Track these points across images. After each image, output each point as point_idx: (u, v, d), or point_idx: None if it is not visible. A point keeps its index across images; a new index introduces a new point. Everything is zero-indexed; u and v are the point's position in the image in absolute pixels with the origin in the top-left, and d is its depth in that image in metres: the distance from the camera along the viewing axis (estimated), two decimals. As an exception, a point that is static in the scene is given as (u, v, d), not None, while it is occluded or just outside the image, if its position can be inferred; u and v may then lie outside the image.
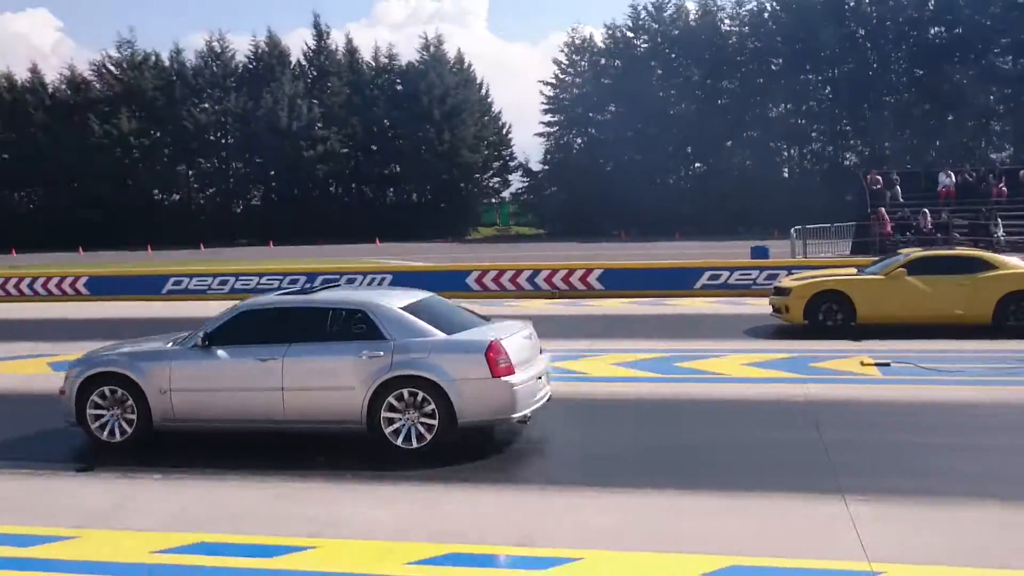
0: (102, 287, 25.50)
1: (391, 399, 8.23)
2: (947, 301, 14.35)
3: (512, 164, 71.31)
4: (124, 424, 8.88)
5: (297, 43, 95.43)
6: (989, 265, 14.61)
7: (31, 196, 67.78)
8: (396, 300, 9.02)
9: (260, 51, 67.88)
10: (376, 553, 5.84)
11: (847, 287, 14.95)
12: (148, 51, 68.09)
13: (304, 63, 69.80)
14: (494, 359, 8.19)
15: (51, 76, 68.41)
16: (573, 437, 9.30)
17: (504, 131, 71.24)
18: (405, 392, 8.21)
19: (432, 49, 68.09)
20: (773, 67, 63.37)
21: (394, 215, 64.98)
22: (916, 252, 15.87)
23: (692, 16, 65.73)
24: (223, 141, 67.57)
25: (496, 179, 72.45)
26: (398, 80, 68.27)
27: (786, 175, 66.29)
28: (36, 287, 26.01)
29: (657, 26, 65.50)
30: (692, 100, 64.08)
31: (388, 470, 7.76)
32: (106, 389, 8.92)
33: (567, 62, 68.22)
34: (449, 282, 22.11)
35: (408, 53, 69.82)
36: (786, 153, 67.81)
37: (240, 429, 8.93)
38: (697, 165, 67.42)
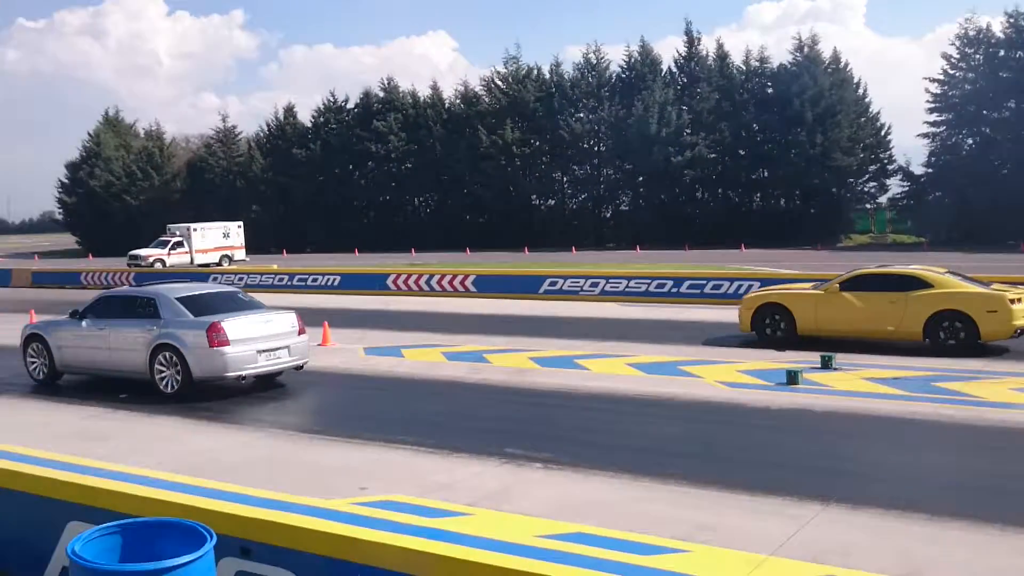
0: (487, 285, 27.78)
1: (159, 359, 12.51)
2: (879, 317, 14.92)
3: (891, 168, 66.54)
4: (44, 368, 14.06)
5: (668, 51, 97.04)
6: (924, 283, 14.83)
7: (428, 201, 75.39)
8: (178, 292, 13.27)
9: (633, 60, 69.62)
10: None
11: (787, 300, 15.97)
12: (531, 65, 72.76)
13: (674, 70, 70.48)
14: (212, 335, 12.13)
15: (448, 92, 75.58)
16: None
17: (882, 132, 66.64)
18: (165, 354, 12.45)
19: (806, 49, 65.56)
20: None
21: (760, 221, 63.58)
22: (858, 270, 16.28)
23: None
24: (596, 148, 70.21)
25: (872, 183, 67.91)
26: (768, 83, 66.60)
27: None
28: (432, 284, 28.99)
29: (1074, 10, 57.62)
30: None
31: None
32: (35, 345, 14.17)
33: (958, 56, 62.16)
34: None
35: (779, 55, 68.00)
36: None
37: (96, 376, 13.87)
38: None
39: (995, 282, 16.05)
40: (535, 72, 72.21)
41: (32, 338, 14.27)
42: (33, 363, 14.24)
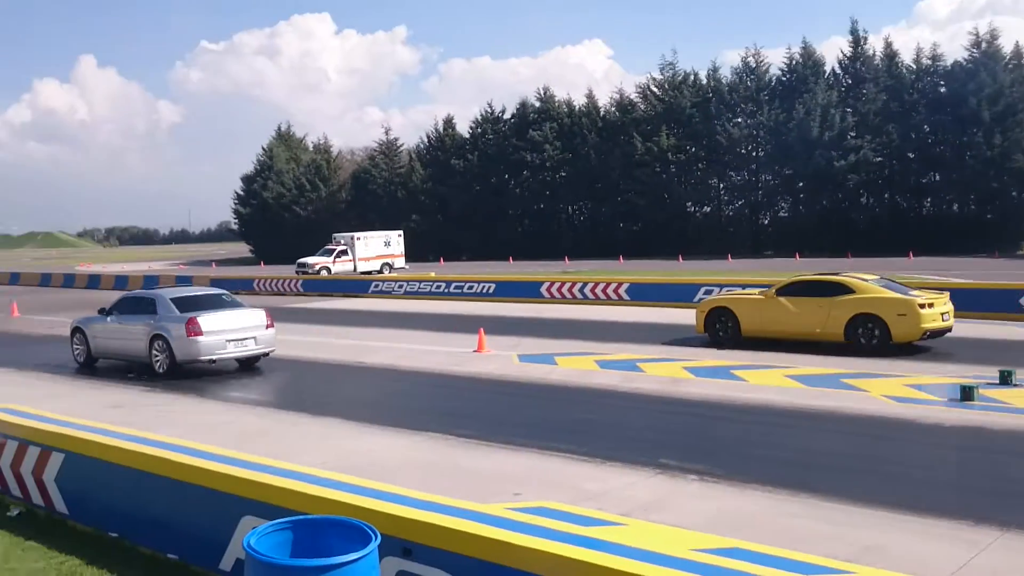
0: (640, 293, 27.55)
1: (154, 346, 15.89)
2: (808, 320, 16.45)
3: (1083, 169, 61.63)
4: (84, 354, 17.60)
5: (832, 51, 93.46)
6: (847, 289, 16.32)
7: (582, 209, 75.59)
8: (172, 294, 16.86)
9: (794, 62, 67.55)
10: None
11: (732, 304, 17.75)
12: (687, 71, 71.84)
13: (839, 71, 67.89)
14: (189, 327, 15.36)
15: (602, 100, 75.57)
16: None
17: (1072, 131, 61.86)
18: (158, 343, 15.80)
19: (984, 45, 61.72)
20: None
21: (930, 227, 60.23)
22: (797, 276, 18.72)
23: None
24: (754, 154, 68.54)
25: (1059, 187, 63.23)
26: (941, 82, 63.12)
27: None
28: (585, 292, 29.01)
29: None
30: None
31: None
32: (77, 336, 17.85)
33: None
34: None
35: (953, 52, 64.29)
36: None
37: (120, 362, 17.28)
38: None
39: (929, 287, 18.75)
40: (691, 78, 71.28)
41: (75, 331, 18.06)
42: (76, 350, 18.03)
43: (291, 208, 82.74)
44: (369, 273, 48.09)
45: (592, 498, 7.93)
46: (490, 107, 78.67)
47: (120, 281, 45.48)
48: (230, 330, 15.97)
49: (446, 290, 33.03)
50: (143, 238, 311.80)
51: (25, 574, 6.58)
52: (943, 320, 16.02)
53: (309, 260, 49.71)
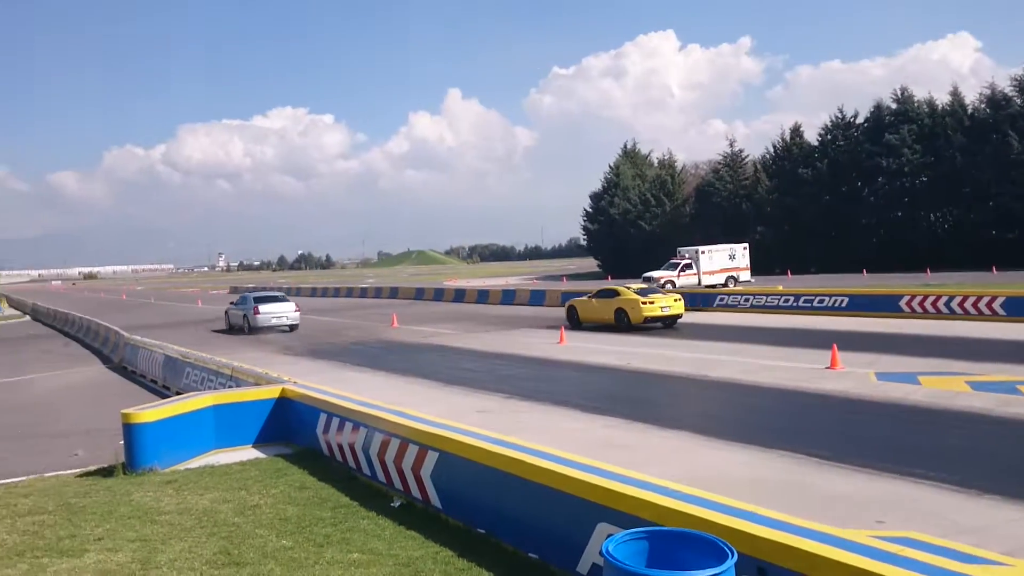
0: (1021, 308, 24.71)
1: (245, 319, 33.51)
2: (602, 312, 29.03)
3: None
4: (244, 326, 33.39)
5: None
6: (618, 293, 28.88)
7: (946, 216, 69.17)
8: (254, 294, 35.38)
9: None
10: None
11: (576, 303, 30.76)
12: (1076, 56, 63.27)
13: None
14: (255, 309, 33.09)
15: (970, 97, 68.81)
16: None
17: None
18: (246, 317, 33.51)
19: None
20: None
21: None
22: (604, 286, 32.26)
23: None
24: None
25: None
26: None
27: None
28: (951, 306, 26.58)
29: None
30: None
31: None
32: (235, 312, 35.06)
33: None
34: None
35: None
36: None
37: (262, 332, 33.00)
38: None
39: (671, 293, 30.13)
40: (1081, 63, 62.62)
41: (228, 313, 36.26)
42: (230, 322, 35.49)
43: (636, 223, 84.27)
44: (714, 286, 47.62)
45: (967, 532, 7.26)
46: (840, 112, 74.67)
47: (482, 295, 49.06)
48: (274, 313, 33.54)
49: (795, 304, 31.85)
50: (501, 254, 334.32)
51: (406, 560, 7.31)
52: (662, 311, 27.63)
53: (654, 274, 50.25)
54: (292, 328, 33.49)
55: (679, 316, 28.03)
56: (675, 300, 28.02)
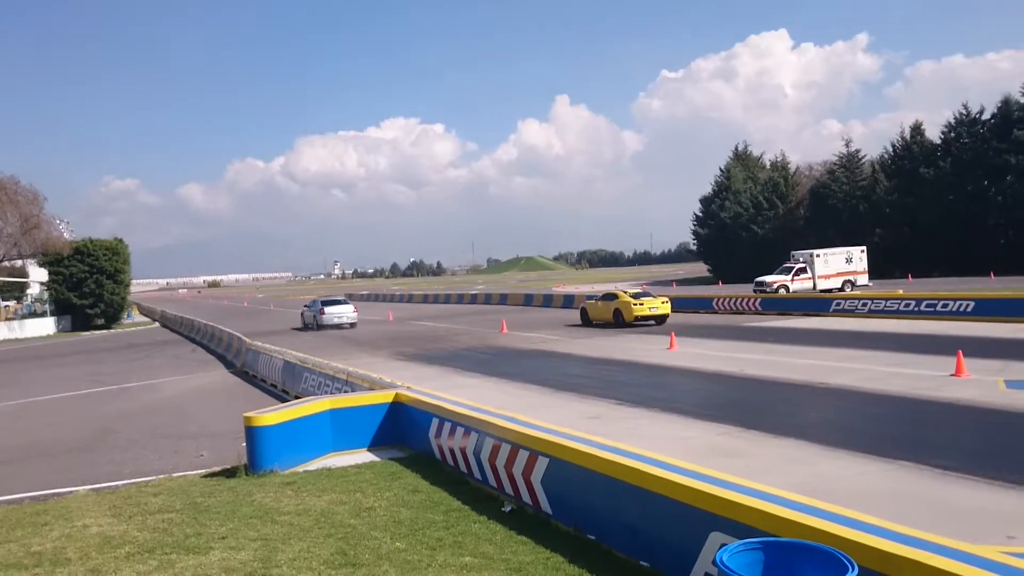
0: None
1: (316, 318, 43.14)
2: (604, 312, 34.28)
3: None
4: (313, 324, 43.02)
5: None
6: (616, 297, 34.28)
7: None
8: (323, 299, 45.40)
9: None
10: None
11: (586, 305, 36.24)
12: None
13: None
14: (321, 310, 42.62)
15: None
16: None
17: None
18: (316, 316, 43.25)
19: None
20: None
21: None
22: (607, 291, 37.80)
23: None
24: None
25: None
26: None
27: None
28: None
29: None
30: None
31: None
32: (308, 312, 44.81)
33: None
34: None
35: None
36: None
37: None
38: None
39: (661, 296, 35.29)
40: None
41: (303, 313, 45.59)
42: (304, 321, 44.55)
43: (748, 227, 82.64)
44: (830, 291, 46.32)
45: (1109, 551, 6.82)
46: (965, 108, 71.56)
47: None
48: (336, 313, 41.97)
49: (916, 308, 30.61)
50: (609, 260, 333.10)
51: (517, 565, 7.34)
52: (651, 311, 33.09)
53: (767, 279, 49.21)
54: (352, 325, 42.29)
55: (667, 316, 33.67)
56: (662, 303, 33.62)
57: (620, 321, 33.20)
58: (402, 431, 12.88)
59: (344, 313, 42.44)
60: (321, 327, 41.69)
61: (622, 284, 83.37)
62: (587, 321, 35.38)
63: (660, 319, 33.47)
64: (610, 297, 34.64)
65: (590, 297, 38.74)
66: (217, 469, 12.00)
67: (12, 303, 72.36)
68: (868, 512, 5.86)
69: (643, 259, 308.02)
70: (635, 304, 32.94)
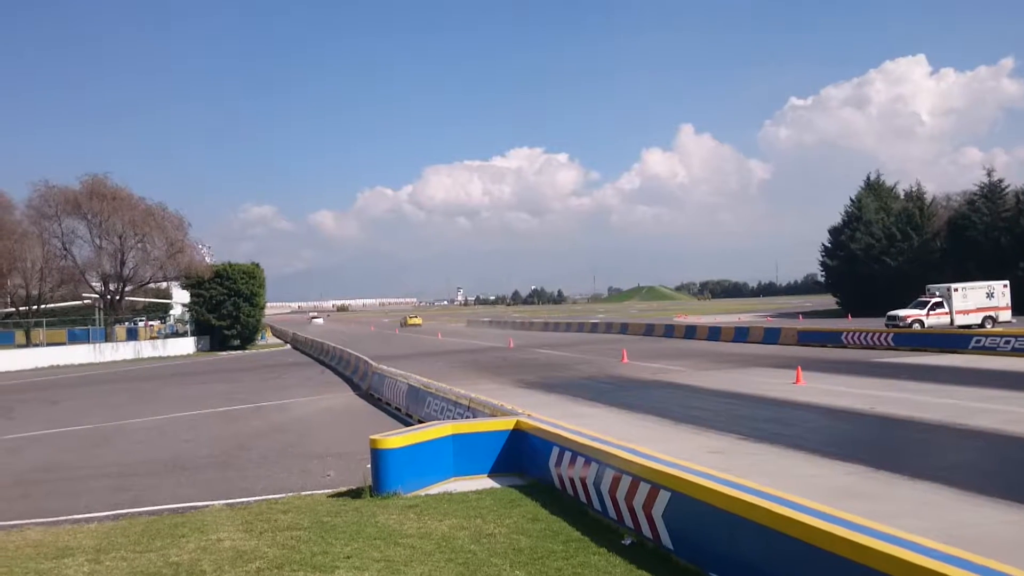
0: None
1: None
2: None
3: None
4: None
5: None
6: None
7: None
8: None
9: None
10: None
11: None
12: None
13: None
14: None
15: None
16: None
17: None
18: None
19: None
20: None
21: None
22: None
23: None
24: None
25: None
26: None
27: None
28: None
29: None
30: None
31: None
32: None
33: None
34: None
35: None
36: None
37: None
38: None
39: None
40: None
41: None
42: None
43: (880, 259, 79.60)
44: (969, 327, 44.11)
45: None
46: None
47: (713, 332, 48.13)
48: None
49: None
50: (733, 291, 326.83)
51: (638, 599, 7.27)
52: None
53: (900, 313, 47.30)
54: None
55: None
56: None
57: None
58: (522, 458, 12.95)
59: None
60: None
61: (746, 316, 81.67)
62: None
63: None
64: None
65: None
66: (343, 489, 12.32)
67: (156, 323, 76.59)
68: (1015, 564, 5.54)
69: (767, 290, 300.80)
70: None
